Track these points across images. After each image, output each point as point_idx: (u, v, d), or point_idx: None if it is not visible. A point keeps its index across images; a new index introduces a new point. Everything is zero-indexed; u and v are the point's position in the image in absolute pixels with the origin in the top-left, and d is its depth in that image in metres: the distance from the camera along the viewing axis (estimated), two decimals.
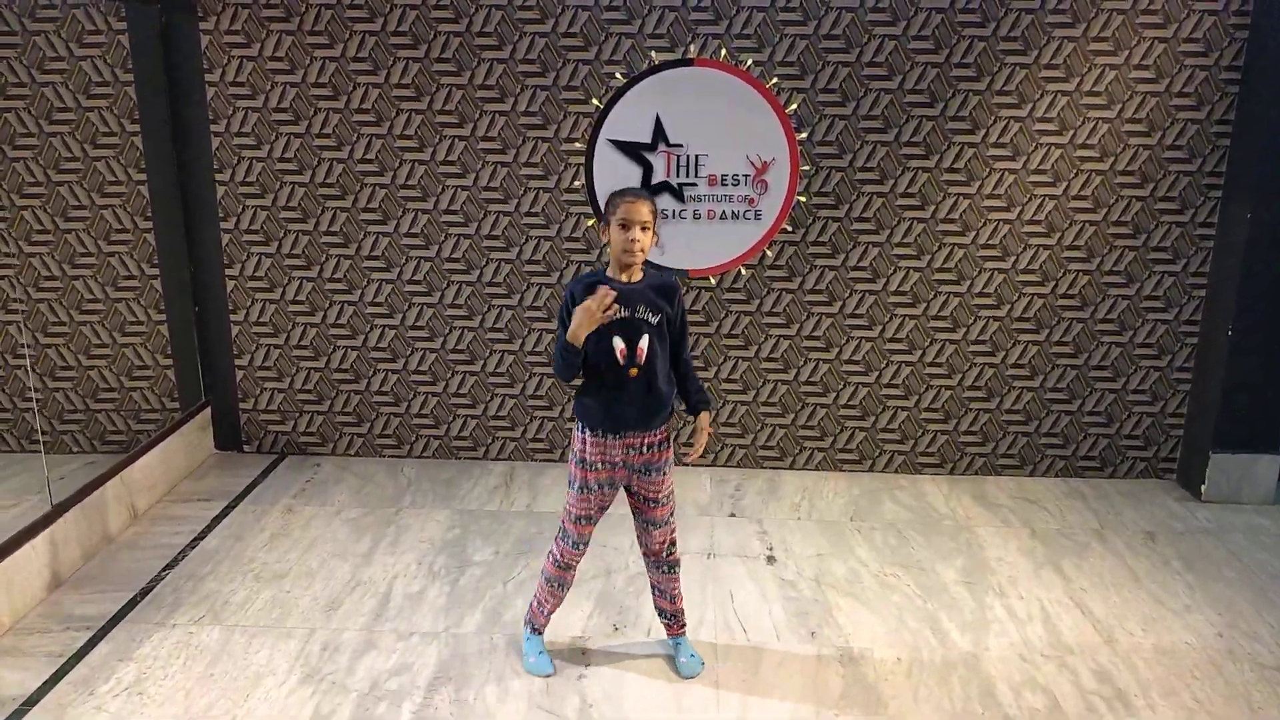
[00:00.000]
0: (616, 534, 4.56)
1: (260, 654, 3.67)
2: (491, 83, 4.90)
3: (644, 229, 3.22)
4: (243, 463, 5.36)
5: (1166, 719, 3.36)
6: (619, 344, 3.25)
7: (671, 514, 3.50)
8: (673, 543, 3.55)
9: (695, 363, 5.17)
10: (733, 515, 4.81)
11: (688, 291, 5.10)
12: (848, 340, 5.15)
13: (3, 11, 4.88)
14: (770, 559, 4.40)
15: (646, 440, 3.36)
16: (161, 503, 4.88)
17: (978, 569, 4.34)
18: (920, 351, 5.15)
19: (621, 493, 3.52)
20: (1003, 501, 5.00)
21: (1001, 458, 5.28)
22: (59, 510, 4.16)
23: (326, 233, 5.14)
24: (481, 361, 5.27)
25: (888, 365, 5.18)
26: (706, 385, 5.23)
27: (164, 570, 4.25)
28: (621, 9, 4.77)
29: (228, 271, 5.23)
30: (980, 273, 5.01)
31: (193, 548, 4.45)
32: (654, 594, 3.66)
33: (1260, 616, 3.98)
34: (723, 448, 5.34)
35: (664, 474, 3.43)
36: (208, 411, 5.43)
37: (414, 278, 5.17)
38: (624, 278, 3.29)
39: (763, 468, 5.35)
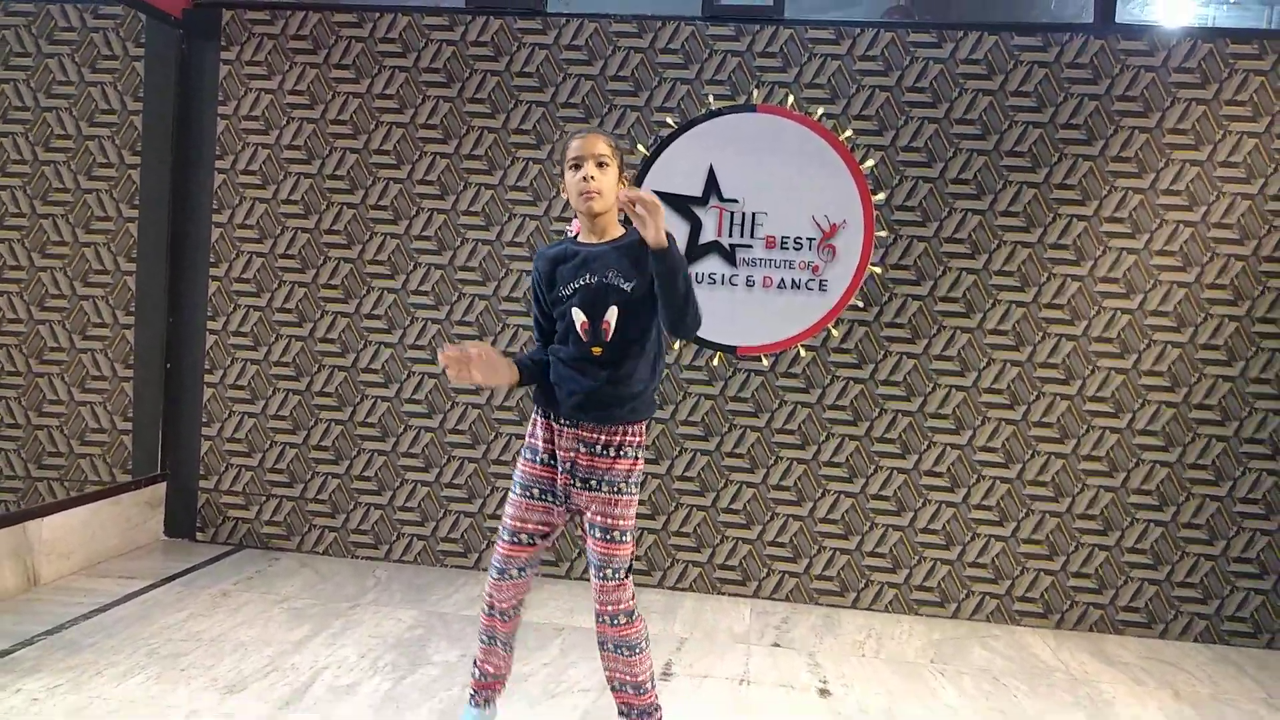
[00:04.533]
0: None
1: None
2: (528, 127, 4.36)
3: (601, 165, 2.53)
4: (191, 551, 4.46)
5: None
6: (579, 317, 2.54)
7: (623, 569, 2.59)
8: (625, 612, 2.59)
9: (740, 463, 4.26)
10: (776, 645, 3.73)
11: (734, 373, 4.26)
12: (929, 446, 4.21)
13: (19, 31, 4.59)
14: (824, 692, 3.30)
15: (604, 438, 2.56)
16: (76, 575, 3.98)
17: None
18: (1019, 466, 4.17)
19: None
20: (1130, 660, 3.83)
21: (1124, 611, 4.14)
22: None
23: (326, 285, 4.48)
24: (484, 446, 4.41)
25: (978, 481, 4.19)
26: (751, 493, 4.28)
27: (39, 635, 3.31)
28: (679, 52, 4.27)
29: (210, 324, 4.56)
30: (1094, 372, 4.11)
31: (87, 618, 3.51)
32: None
33: None
34: (768, 575, 4.30)
35: (616, 493, 2.57)
36: (161, 488, 4.60)
37: (417, 342, 4.44)
38: (594, 238, 2.61)
39: (818, 603, 4.28)
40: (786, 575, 4.30)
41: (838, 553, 4.27)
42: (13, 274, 4.60)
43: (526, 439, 2.68)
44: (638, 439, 2.61)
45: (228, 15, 4.50)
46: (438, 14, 4.40)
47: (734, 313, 4.20)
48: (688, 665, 3.44)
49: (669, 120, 4.27)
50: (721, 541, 4.31)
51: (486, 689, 2.74)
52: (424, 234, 4.42)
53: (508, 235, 4.37)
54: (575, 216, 2.68)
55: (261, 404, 4.54)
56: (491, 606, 2.67)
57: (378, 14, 4.42)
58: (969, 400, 4.18)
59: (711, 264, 4.21)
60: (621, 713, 2.67)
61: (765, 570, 4.30)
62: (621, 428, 2.58)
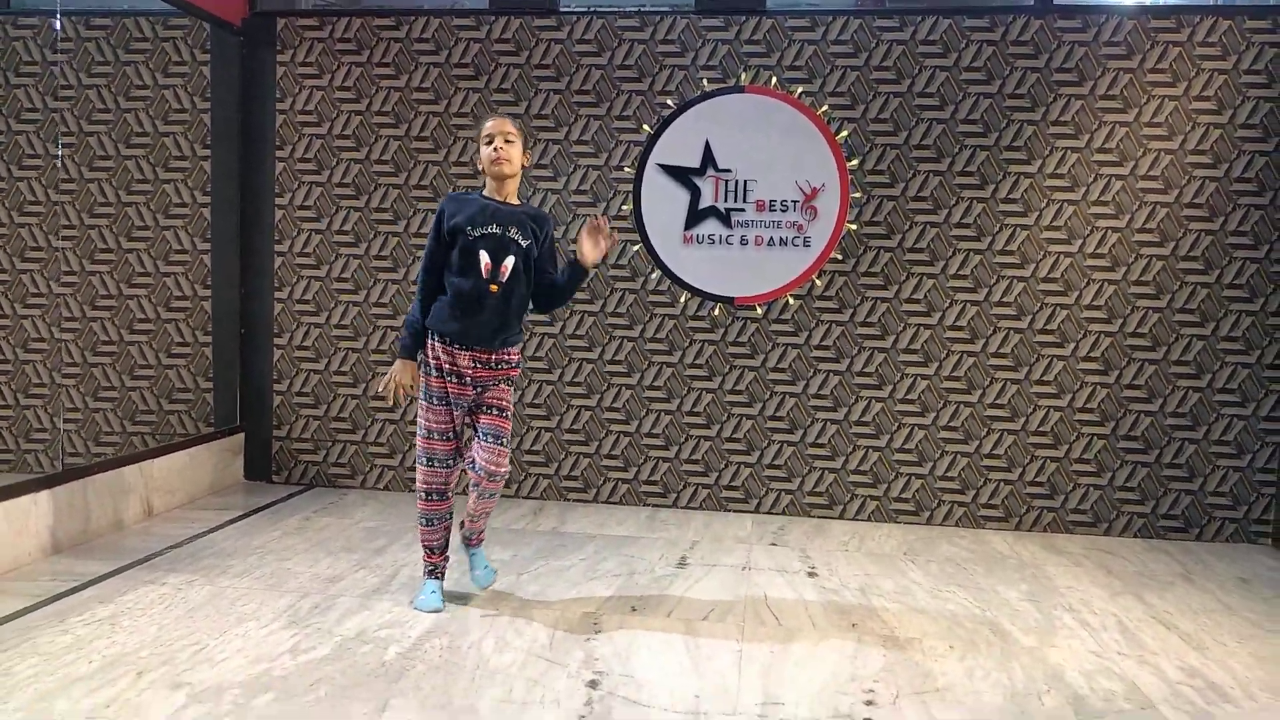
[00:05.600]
0: (646, 549, 4.26)
1: (247, 606, 3.39)
2: (547, 113, 5.02)
3: (508, 142, 3.31)
4: (270, 490, 5.18)
5: (1274, 709, 2.85)
6: (485, 259, 3.27)
7: (508, 437, 3.42)
8: (505, 471, 3.42)
9: (739, 398, 4.95)
10: (774, 545, 4.44)
11: (732, 321, 4.94)
12: (901, 378, 4.89)
13: (100, 43, 5.26)
14: (812, 574, 4.01)
15: (495, 356, 3.35)
16: (180, 508, 4.70)
17: (1045, 592, 3.87)
18: (980, 392, 4.85)
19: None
20: (1074, 550, 4.53)
21: (1073, 513, 4.83)
22: (70, 475, 4.03)
23: (376, 257, 5.17)
24: (519, 392, 5.11)
25: (945, 406, 4.87)
26: (750, 423, 4.97)
27: (166, 548, 4.03)
28: (675, 41, 4.91)
29: (276, 294, 5.26)
30: (1042, 308, 4.78)
31: (200, 537, 4.23)
32: (465, 520, 3.60)
33: None
34: (766, 492, 5.00)
35: (510, 384, 3.46)
36: (240, 438, 5.32)
37: None
38: (499, 197, 3.36)
39: (810, 515, 4.98)
40: (782, 493, 5.00)
41: (826, 471, 4.96)
42: (103, 256, 5.30)
43: (427, 358, 3.37)
44: (519, 351, 3.46)
45: (282, 22, 5.16)
46: (465, 15, 5.06)
47: (731, 269, 4.88)
48: (700, 558, 4.15)
49: (669, 102, 4.92)
50: (726, 466, 5.01)
51: (433, 561, 3.49)
52: None
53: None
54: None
55: (324, 362, 5.24)
56: (428, 492, 3.44)
57: (413, 17, 5.07)
58: (935, 337, 4.85)
59: (710, 226, 4.88)
60: (474, 533, 3.57)
61: (764, 489, 5.01)
62: (514, 348, 3.42)
